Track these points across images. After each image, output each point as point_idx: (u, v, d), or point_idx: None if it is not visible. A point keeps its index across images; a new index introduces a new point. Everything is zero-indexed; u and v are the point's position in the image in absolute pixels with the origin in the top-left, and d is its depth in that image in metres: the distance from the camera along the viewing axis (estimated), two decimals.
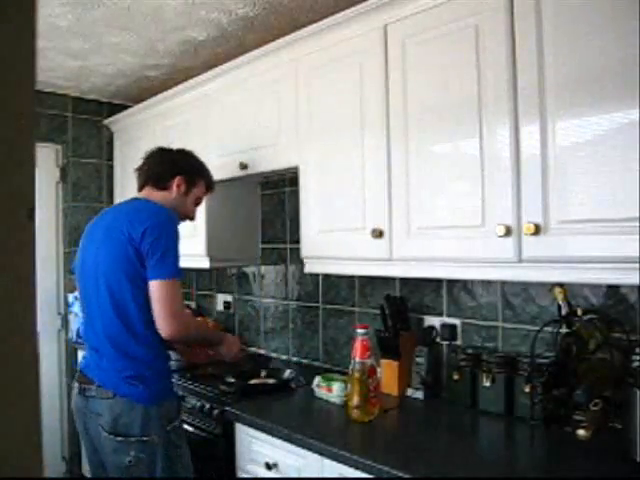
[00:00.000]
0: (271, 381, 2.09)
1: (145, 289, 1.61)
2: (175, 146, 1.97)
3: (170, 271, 1.61)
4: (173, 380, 1.82)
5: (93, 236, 1.76)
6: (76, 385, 1.71)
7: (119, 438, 1.58)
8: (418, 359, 1.91)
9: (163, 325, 1.59)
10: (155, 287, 1.60)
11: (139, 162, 1.92)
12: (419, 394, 1.88)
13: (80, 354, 3.03)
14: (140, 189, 1.87)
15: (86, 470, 3.02)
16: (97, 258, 1.68)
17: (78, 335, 2.91)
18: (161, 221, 1.66)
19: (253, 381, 2.09)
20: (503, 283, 1.78)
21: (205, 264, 2.49)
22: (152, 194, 1.81)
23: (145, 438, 1.58)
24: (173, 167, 1.85)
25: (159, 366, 1.69)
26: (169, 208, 1.75)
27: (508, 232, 1.39)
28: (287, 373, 2.14)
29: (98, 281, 1.66)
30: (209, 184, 1.97)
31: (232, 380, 2.03)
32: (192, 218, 1.94)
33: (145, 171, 1.87)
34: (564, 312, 1.52)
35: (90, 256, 1.72)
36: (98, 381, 1.63)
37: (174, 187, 1.83)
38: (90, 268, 1.71)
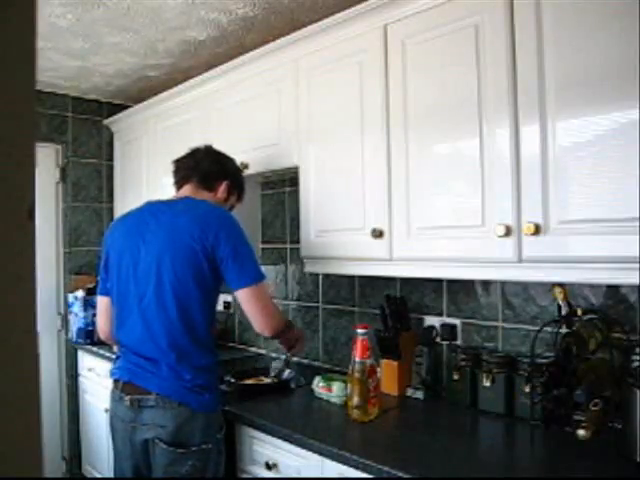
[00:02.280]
0: (267, 381, 2.09)
1: (211, 295, 1.63)
2: (175, 146, 1.98)
3: (255, 275, 1.60)
4: None
5: (144, 236, 1.65)
6: (124, 397, 1.59)
7: (180, 450, 1.53)
8: (418, 359, 1.91)
9: (265, 326, 1.61)
10: (245, 294, 1.59)
11: (139, 161, 1.93)
12: (419, 394, 1.88)
13: (80, 355, 3.04)
14: (180, 184, 1.79)
15: (86, 470, 3.02)
16: (159, 262, 1.58)
17: (78, 335, 2.91)
18: (232, 225, 1.62)
19: (249, 381, 2.09)
20: (503, 283, 1.78)
21: None
22: (197, 193, 1.76)
23: (204, 446, 1.56)
24: (224, 170, 1.82)
25: (217, 373, 1.70)
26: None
27: (508, 232, 1.39)
28: (286, 373, 2.13)
29: (161, 287, 1.58)
30: (242, 197, 1.97)
31: (232, 380, 2.03)
32: None
33: (192, 167, 1.79)
34: (564, 312, 1.52)
35: (146, 258, 1.61)
36: (159, 391, 1.55)
37: (220, 190, 1.80)
38: (145, 271, 1.61)
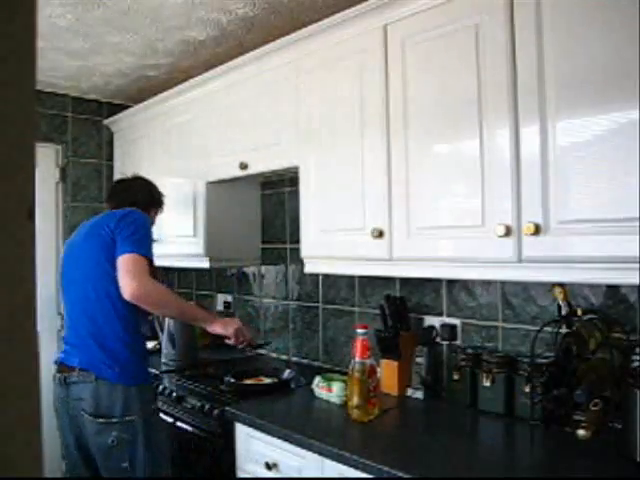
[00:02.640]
0: (267, 381, 2.09)
1: None
2: (175, 146, 2.01)
3: (134, 248, 1.71)
4: (157, 374, 2.03)
5: (74, 245, 1.91)
6: (57, 377, 1.79)
7: (101, 420, 1.67)
8: (418, 359, 1.91)
9: (123, 285, 1.67)
10: (119, 261, 1.70)
11: (140, 161, 1.95)
12: (419, 394, 1.88)
13: None
14: (114, 207, 1.98)
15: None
16: (81, 254, 1.82)
17: None
18: (135, 216, 1.83)
19: (249, 381, 2.09)
20: (503, 283, 1.78)
21: (205, 264, 2.49)
22: None
23: (127, 418, 1.68)
24: (153, 200, 2.08)
25: (136, 348, 1.79)
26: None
27: (508, 232, 1.39)
28: (286, 373, 2.13)
29: (86, 272, 1.78)
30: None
31: (232, 380, 2.03)
32: None
33: (126, 197, 1.99)
34: (564, 312, 1.52)
35: (74, 258, 1.86)
36: (79, 365, 1.72)
37: (151, 215, 2.06)
38: (74, 265, 1.84)
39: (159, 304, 1.79)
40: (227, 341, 1.94)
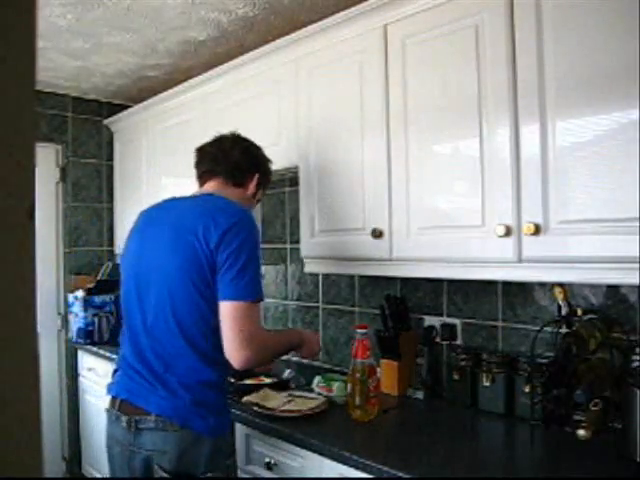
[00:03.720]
0: (267, 381, 2.08)
1: (215, 306, 1.35)
2: (175, 146, 1.95)
3: (249, 291, 1.34)
4: None
5: (151, 234, 1.47)
6: (121, 417, 1.39)
7: (183, 479, 1.34)
8: (418, 359, 1.91)
9: (235, 354, 1.32)
10: (226, 309, 1.32)
11: (139, 161, 1.91)
12: (419, 394, 1.88)
13: (80, 355, 3.04)
14: (204, 178, 1.58)
15: (86, 470, 3.02)
16: (160, 264, 1.40)
17: (78, 335, 2.91)
18: (244, 227, 1.37)
19: (249, 381, 2.08)
20: (503, 283, 1.78)
21: None
22: (225, 189, 1.54)
23: (210, 475, 1.36)
24: (254, 162, 1.60)
25: (226, 390, 1.48)
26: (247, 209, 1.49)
27: (508, 232, 1.39)
28: (286, 373, 2.13)
29: (161, 290, 1.38)
30: (267, 187, 1.75)
31: (231, 380, 2.03)
32: None
33: (219, 158, 1.56)
34: (564, 312, 1.52)
35: (149, 259, 1.43)
36: (158, 411, 1.34)
37: (251, 186, 1.59)
38: (148, 273, 1.42)
39: (267, 360, 1.51)
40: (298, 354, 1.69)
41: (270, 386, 2.01)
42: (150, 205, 1.63)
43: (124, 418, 1.38)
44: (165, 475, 1.33)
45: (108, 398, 1.49)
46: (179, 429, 1.33)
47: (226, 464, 1.41)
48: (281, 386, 2.04)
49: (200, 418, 1.35)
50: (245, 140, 1.65)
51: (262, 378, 2.12)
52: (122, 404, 1.41)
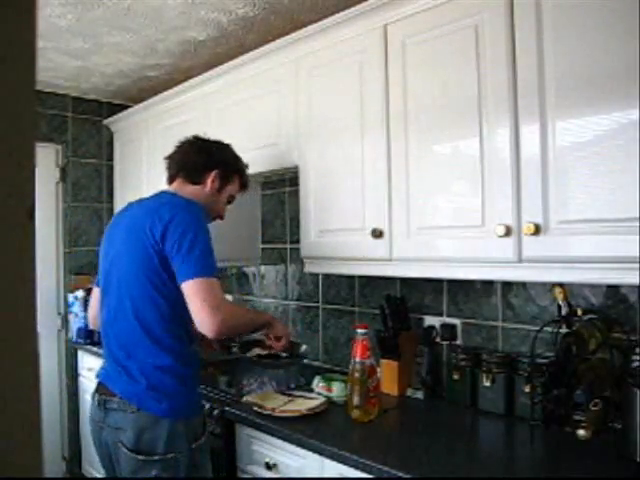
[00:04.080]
0: (284, 355, 1.92)
1: (168, 295, 1.47)
2: (174, 146, 1.94)
3: (199, 268, 1.41)
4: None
5: (114, 235, 1.62)
6: (95, 396, 1.57)
7: (141, 457, 1.43)
8: (418, 359, 1.91)
9: (205, 322, 1.39)
10: (187, 289, 1.41)
11: (139, 161, 1.91)
12: (419, 394, 1.88)
13: (80, 355, 3.04)
14: (170, 181, 1.71)
15: (86, 470, 3.02)
16: (119, 260, 1.54)
17: (78, 335, 2.91)
18: (185, 216, 1.47)
19: (257, 351, 1.98)
20: (503, 283, 1.78)
21: None
22: (183, 188, 1.66)
23: (170, 456, 1.44)
24: (209, 159, 1.68)
25: (187, 377, 1.53)
26: (201, 205, 1.59)
27: (508, 232, 1.39)
28: (303, 348, 2.04)
29: (120, 285, 1.52)
30: (244, 182, 1.81)
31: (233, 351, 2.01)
32: (222, 217, 1.79)
33: (177, 161, 1.70)
34: (564, 312, 1.52)
35: (111, 257, 1.59)
36: (120, 393, 1.48)
37: (208, 182, 1.67)
38: (111, 270, 1.57)
39: (239, 329, 1.60)
40: (269, 342, 1.75)
41: (284, 359, 1.93)
42: (121, 207, 1.78)
43: (97, 397, 1.56)
44: (125, 451, 1.45)
45: None
46: (136, 410, 1.45)
47: (190, 448, 1.48)
48: (295, 362, 1.98)
49: (155, 401, 1.46)
50: (204, 141, 1.76)
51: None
52: (99, 386, 1.58)
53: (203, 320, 1.40)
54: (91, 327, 1.90)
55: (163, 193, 1.65)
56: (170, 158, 1.74)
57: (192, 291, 1.40)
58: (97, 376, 1.63)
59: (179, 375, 1.50)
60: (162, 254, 1.45)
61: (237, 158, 1.79)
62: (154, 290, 1.47)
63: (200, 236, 1.45)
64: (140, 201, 1.68)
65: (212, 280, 1.43)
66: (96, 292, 1.76)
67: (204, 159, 1.68)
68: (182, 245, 1.42)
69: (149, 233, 1.46)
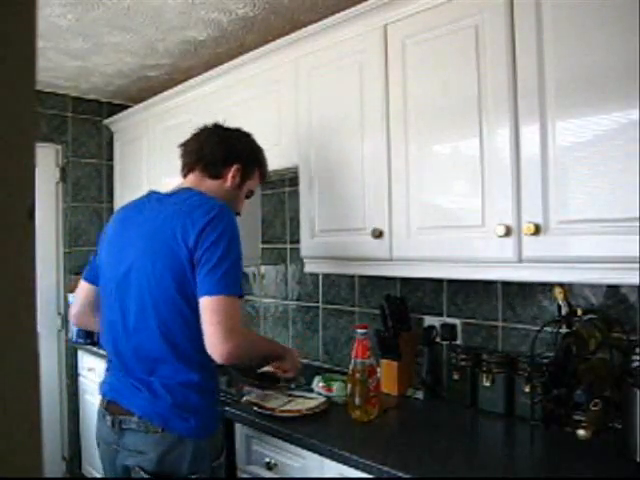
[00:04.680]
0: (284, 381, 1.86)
1: (197, 309, 1.33)
2: (175, 146, 1.92)
3: (224, 285, 1.29)
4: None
5: (131, 233, 1.44)
6: (107, 416, 1.41)
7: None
8: (418, 359, 1.91)
9: (216, 346, 1.28)
10: (205, 304, 1.30)
11: (139, 161, 1.89)
12: (419, 394, 1.88)
13: (80, 355, 3.04)
14: (186, 172, 1.56)
15: (86, 470, 3.02)
16: (142, 265, 1.38)
17: (78, 335, 2.91)
18: (220, 223, 1.34)
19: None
20: (503, 283, 1.78)
21: None
22: (201, 182, 1.52)
23: (193, 477, 1.35)
24: (232, 152, 1.55)
25: (211, 392, 1.44)
26: (224, 202, 1.45)
27: (508, 232, 1.39)
28: (302, 380, 1.94)
29: (142, 294, 1.37)
30: (265, 175, 1.68)
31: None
32: (240, 214, 1.62)
33: (196, 151, 1.54)
34: (564, 312, 1.52)
35: (131, 261, 1.41)
36: (140, 412, 1.35)
37: (229, 177, 1.54)
38: (129, 275, 1.40)
39: (251, 359, 1.47)
40: (276, 369, 1.67)
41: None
42: (126, 204, 1.61)
43: (109, 417, 1.40)
44: (146, 476, 1.33)
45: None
46: (160, 431, 1.33)
47: (212, 466, 1.40)
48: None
49: (181, 420, 1.34)
50: (225, 129, 1.62)
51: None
52: (109, 404, 1.42)
53: (213, 344, 1.29)
54: (74, 325, 1.72)
55: (188, 191, 1.48)
56: (186, 146, 1.58)
57: (210, 309, 1.29)
58: (103, 393, 1.47)
59: (204, 390, 1.40)
60: (193, 263, 1.32)
61: (258, 150, 1.66)
62: (184, 303, 1.33)
63: (233, 248, 1.34)
64: (160, 199, 1.49)
65: (234, 300, 1.31)
66: (86, 288, 1.58)
67: (225, 152, 1.54)
68: (213, 256, 1.30)
69: (180, 240, 1.32)
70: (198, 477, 1.35)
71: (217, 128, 1.61)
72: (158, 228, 1.38)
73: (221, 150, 1.54)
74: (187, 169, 1.56)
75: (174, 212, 1.38)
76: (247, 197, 1.65)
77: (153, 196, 1.54)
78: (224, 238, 1.32)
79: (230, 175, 1.54)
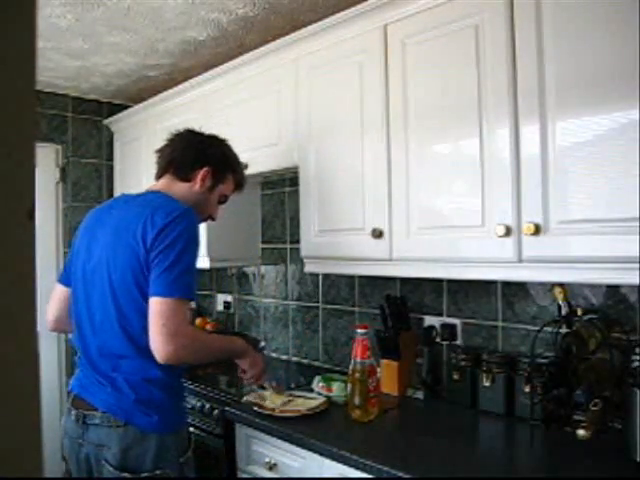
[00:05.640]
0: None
1: None
2: None
3: (175, 288, 1.31)
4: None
5: (97, 234, 1.48)
6: (72, 410, 1.43)
7: (127, 474, 1.34)
8: (418, 359, 1.91)
9: (157, 348, 1.29)
10: (153, 304, 1.31)
11: (139, 161, 1.89)
12: (419, 394, 1.88)
13: None
14: (159, 176, 1.59)
15: None
16: (105, 264, 1.41)
17: None
18: (178, 225, 1.34)
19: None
20: (503, 283, 1.78)
21: (205, 264, 2.49)
22: (172, 186, 1.54)
23: (158, 472, 1.36)
24: (201, 155, 1.57)
25: (175, 388, 1.46)
26: (190, 205, 1.46)
27: (508, 232, 1.39)
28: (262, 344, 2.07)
29: (104, 292, 1.40)
30: (239, 182, 1.69)
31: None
32: (214, 218, 1.67)
33: (167, 155, 1.58)
34: (564, 312, 1.52)
35: (95, 260, 1.44)
36: (103, 407, 1.37)
37: (198, 180, 1.55)
38: (93, 274, 1.44)
39: (200, 359, 1.45)
40: (240, 374, 1.67)
41: None
42: (100, 204, 1.65)
43: (74, 412, 1.42)
44: (111, 469, 1.35)
45: None
46: (122, 425, 1.35)
47: (179, 462, 1.41)
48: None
49: (144, 415, 1.36)
50: (197, 134, 1.65)
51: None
52: (75, 398, 1.45)
53: (156, 346, 1.30)
54: (49, 329, 1.64)
55: (154, 194, 1.51)
56: (160, 152, 1.61)
57: (156, 311, 1.30)
58: (70, 388, 1.50)
59: (168, 386, 1.42)
60: (149, 263, 1.34)
61: (232, 156, 1.67)
62: (143, 301, 1.35)
63: (188, 252, 1.35)
64: (127, 200, 1.53)
65: (182, 303, 1.32)
66: (60, 291, 1.60)
67: (194, 155, 1.57)
68: (167, 257, 1.32)
69: (139, 239, 1.35)
70: (163, 472, 1.36)
71: (189, 133, 1.65)
72: (122, 227, 1.41)
73: (191, 153, 1.57)
74: (160, 173, 1.59)
75: (138, 213, 1.41)
76: (221, 202, 1.66)
77: (122, 198, 1.58)
78: (180, 241, 1.33)
79: (199, 177, 1.55)
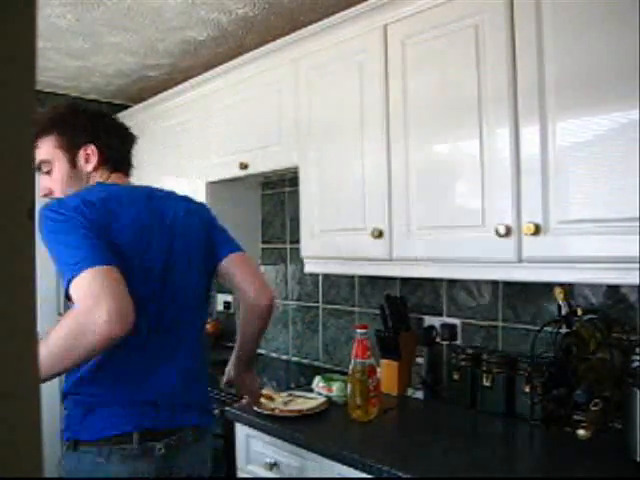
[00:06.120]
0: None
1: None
2: (175, 146, 1.90)
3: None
4: None
5: (163, 231, 1.28)
6: (156, 446, 1.19)
7: None
8: (418, 359, 1.91)
9: (259, 288, 1.37)
10: (241, 259, 1.41)
11: (139, 161, 1.84)
12: (419, 394, 1.88)
13: None
14: (125, 171, 1.54)
15: None
16: (179, 250, 1.29)
17: None
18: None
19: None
20: (503, 283, 1.78)
21: None
22: (127, 179, 1.53)
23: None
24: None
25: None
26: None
27: (508, 232, 1.39)
28: None
29: (185, 282, 1.29)
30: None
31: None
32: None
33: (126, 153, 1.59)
34: (564, 312, 1.52)
35: (176, 258, 1.28)
36: (199, 423, 1.28)
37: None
38: (166, 272, 1.25)
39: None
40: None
41: None
42: (122, 186, 1.40)
43: (159, 445, 1.24)
44: None
45: None
46: (208, 432, 1.36)
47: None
48: None
49: (211, 415, 1.41)
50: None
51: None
52: (144, 434, 1.24)
53: (264, 288, 1.38)
54: (127, 329, 1.08)
55: (171, 192, 1.47)
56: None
57: (245, 262, 1.42)
58: (112, 429, 1.22)
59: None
60: (212, 237, 1.42)
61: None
62: (209, 281, 1.41)
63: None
64: (167, 198, 1.41)
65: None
66: (117, 274, 1.11)
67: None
68: (220, 225, 1.50)
69: (205, 217, 1.46)
70: (218, 476, 1.37)
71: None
72: (188, 232, 1.37)
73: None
74: (124, 170, 1.60)
75: (199, 218, 1.45)
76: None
77: (156, 192, 1.47)
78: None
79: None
